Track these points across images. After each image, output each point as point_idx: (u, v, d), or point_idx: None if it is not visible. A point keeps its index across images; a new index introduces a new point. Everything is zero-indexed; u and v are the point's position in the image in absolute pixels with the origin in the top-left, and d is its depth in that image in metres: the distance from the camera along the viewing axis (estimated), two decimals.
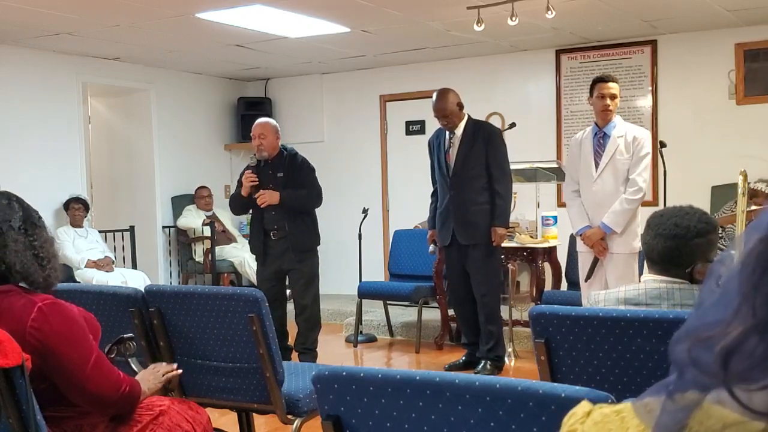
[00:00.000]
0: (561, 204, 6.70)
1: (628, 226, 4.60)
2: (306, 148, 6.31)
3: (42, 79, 7.01)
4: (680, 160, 6.54)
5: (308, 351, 5.24)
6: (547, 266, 5.88)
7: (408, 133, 8.22)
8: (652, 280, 2.32)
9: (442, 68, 7.74)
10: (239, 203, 5.32)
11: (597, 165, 4.67)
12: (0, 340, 1.87)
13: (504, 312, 5.57)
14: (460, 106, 5.17)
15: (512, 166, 5.29)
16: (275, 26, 6.27)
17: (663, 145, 5.74)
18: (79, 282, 6.46)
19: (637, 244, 4.54)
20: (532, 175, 6.04)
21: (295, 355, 5.27)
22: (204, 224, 7.82)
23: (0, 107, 6.69)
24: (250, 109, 8.58)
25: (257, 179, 5.11)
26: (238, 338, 2.90)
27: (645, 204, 4.89)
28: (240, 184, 5.25)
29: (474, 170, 5.12)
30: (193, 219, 7.92)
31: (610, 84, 4.64)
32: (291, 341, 5.33)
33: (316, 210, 5.32)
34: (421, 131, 8.01)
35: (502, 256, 5.54)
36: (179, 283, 8.09)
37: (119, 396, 2.16)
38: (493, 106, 7.54)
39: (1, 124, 6.69)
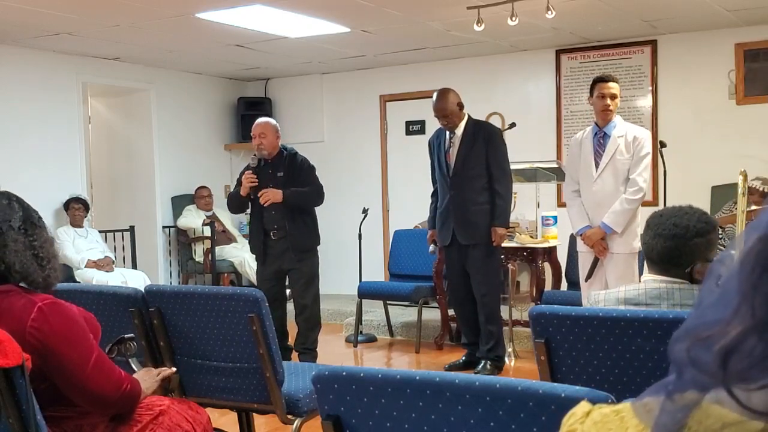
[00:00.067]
0: (561, 204, 6.70)
1: (629, 226, 4.61)
2: (306, 148, 6.31)
3: (42, 79, 7.01)
4: (680, 160, 6.54)
5: (308, 351, 5.24)
6: (547, 266, 5.88)
7: (408, 133, 8.22)
8: (652, 280, 2.32)
9: (442, 68, 7.74)
10: (237, 202, 5.32)
11: (597, 165, 4.67)
12: (0, 340, 1.87)
13: (504, 312, 5.57)
14: (461, 106, 5.17)
15: (512, 166, 5.29)
16: (275, 26, 6.27)
17: (663, 145, 5.74)
18: (79, 282, 6.46)
19: (637, 244, 4.54)
20: (532, 175, 6.04)
21: (295, 355, 5.27)
22: (204, 224, 7.82)
23: (0, 107, 6.69)
24: (250, 109, 8.58)
25: (257, 180, 5.11)
26: (238, 338, 2.90)
27: (645, 204, 4.89)
28: (239, 183, 5.26)
29: (474, 170, 5.12)
30: (193, 219, 7.92)
31: (611, 84, 4.64)
32: (291, 341, 5.33)
33: (317, 210, 5.32)
34: (421, 131, 8.01)
35: (502, 256, 5.54)
36: (179, 283, 8.09)
37: (120, 395, 2.16)
38: (493, 106, 7.54)
39: (1, 124, 6.69)
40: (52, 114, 7.09)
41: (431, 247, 5.60)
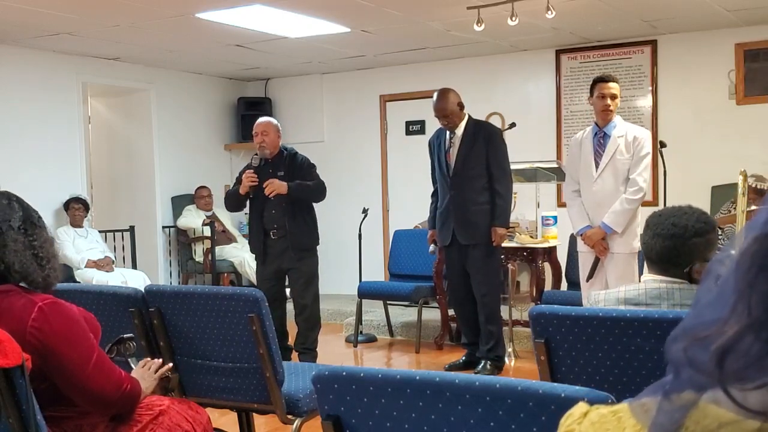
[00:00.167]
0: (561, 204, 6.70)
1: (629, 226, 4.61)
2: (306, 148, 6.30)
3: (42, 79, 7.01)
4: (680, 160, 6.54)
5: (308, 351, 5.24)
6: (547, 266, 5.88)
7: (408, 133, 8.22)
8: (652, 280, 2.32)
9: (442, 68, 7.74)
10: (235, 200, 5.31)
11: (597, 165, 4.67)
12: (0, 340, 1.87)
13: (504, 312, 5.57)
14: (461, 106, 5.17)
15: (512, 166, 5.29)
16: (275, 26, 6.27)
17: (663, 145, 5.74)
18: (79, 282, 6.46)
19: (638, 244, 4.54)
20: (532, 175, 6.04)
21: (295, 355, 5.27)
22: (204, 224, 7.82)
23: (0, 107, 6.70)
24: (250, 109, 8.58)
25: (257, 179, 5.11)
26: (238, 338, 2.90)
27: (645, 204, 4.89)
28: (238, 181, 5.26)
29: (474, 170, 5.12)
30: (193, 219, 7.92)
31: (611, 84, 4.64)
32: (291, 341, 5.33)
33: (316, 210, 5.32)
34: (421, 131, 8.01)
35: (502, 256, 5.54)
36: (179, 283, 8.09)
37: (121, 395, 2.16)
38: (493, 106, 7.54)
39: (1, 124, 6.69)
40: (52, 114, 7.09)
41: (431, 247, 5.60)
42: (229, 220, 8.08)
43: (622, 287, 2.42)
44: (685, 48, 6.88)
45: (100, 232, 7.29)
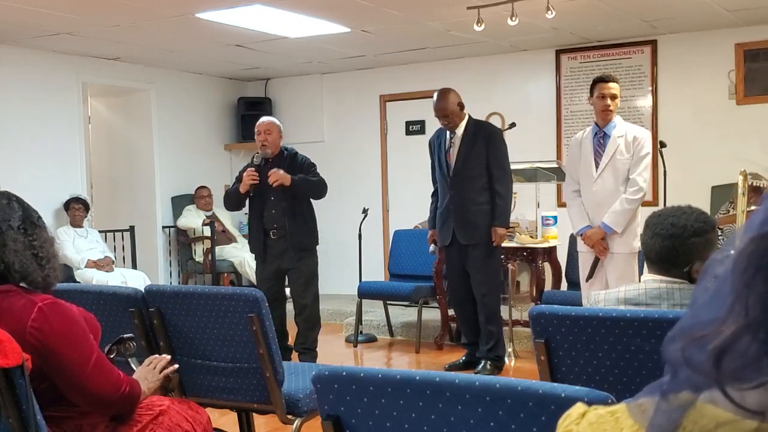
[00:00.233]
0: (561, 204, 6.70)
1: (629, 226, 4.61)
2: (306, 148, 6.30)
3: (42, 79, 7.01)
4: (680, 160, 6.54)
5: (308, 351, 5.24)
6: (547, 266, 5.88)
7: (408, 133, 8.22)
8: (651, 280, 2.32)
9: (442, 68, 7.74)
10: (235, 199, 5.30)
11: (597, 165, 4.68)
12: (0, 340, 1.87)
13: (504, 312, 5.57)
14: (461, 105, 5.17)
15: (512, 166, 5.30)
16: (275, 26, 6.27)
17: (663, 145, 5.74)
18: (79, 282, 6.46)
19: (637, 244, 4.54)
20: (532, 175, 6.04)
21: (295, 355, 5.27)
22: (204, 224, 7.82)
23: (0, 107, 6.70)
24: (250, 109, 8.58)
25: (258, 178, 5.11)
26: (238, 338, 2.90)
27: (645, 204, 4.89)
28: (238, 180, 5.26)
29: (474, 170, 5.12)
30: (193, 219, 7.92)
31: (611, 84, 4.64)
32: (291, 341, 5.33)
33: (316, 210, 5.32)
34: (421, 131, 8.01)
35: (502, 256, 5.54)
36: (179, 283, 8.09)
37: (119, 396, 2.16)
38: (493, 106, 7.54)
39: (1, 124, 6.69)
40: (52, 114, 7.09)
41: (431, 247, 5.60)
42: (229, 220, 8.08)
43: (622, 287, 2.42)
44: (685, 48, 6.88)
45: (100, 232, 7.29)
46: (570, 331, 2.27)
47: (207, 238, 7.74)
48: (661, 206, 4.75)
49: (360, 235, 6.77)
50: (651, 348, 2.12)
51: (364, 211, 6.88)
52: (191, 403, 2.52)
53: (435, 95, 5.20)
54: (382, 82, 8.23)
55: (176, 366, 2.47)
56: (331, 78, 8.54)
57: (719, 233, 3.24)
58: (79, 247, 6.85)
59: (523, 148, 6.60)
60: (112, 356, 2.37)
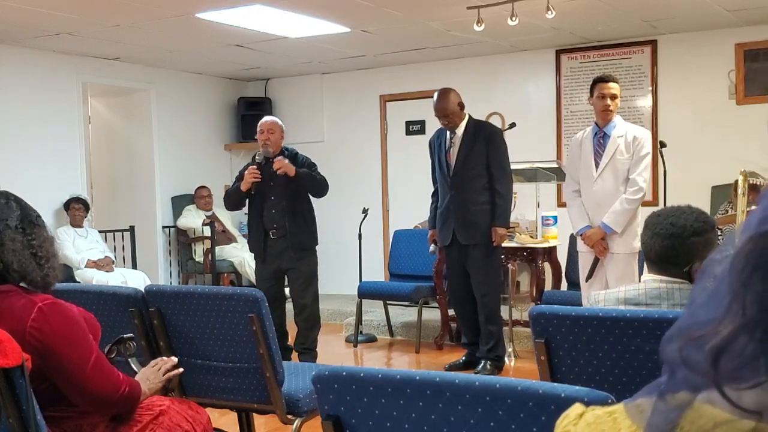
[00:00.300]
0: (561, 204, 6.70)
1: (629, 226, 4.60)
2: (306, 148, 6.31)
3: (42, 79, 7.01)
4: (680, 160, 6.54)
5: (308, 351, 5.24)
6: (547, 266, 5.88)
7: (408, 133, 8.22)
8: (651, 280, 2.32)
9: (442, 68, 7.74)
10: (235, 198, 5.29)
11: (597, 165, 4.67)
12: (0, 340, 1.87)
13: (504, 312, 5.57)
14: (461, 105, 5.17)
15: (512, 166, 5.29)
16: (275, 26, 6.27)
17: (663, 145, 5.74)
18: (79, 282, 6.46)
19: (637, 244, 4.54)
20: (532, 175, 6.04)
21: (295, 355, 5.27)
22: (204, 224, 7.82)
23: (0, 107, 6.70)
24: (250, 109, 8.58)
25: (260, 176, 5.11)
26: (238, 338, 2.90)
27: (645, 204, 4.89)
28: (237, 179, 5.25)
29: (474, 170, 5.12)
30: (193, 219, 7.92)
31: (611, 84, 4.64)
32: (291, 341, 5.33)
33: (316, 210, 5.32)
34: (421, 131, 8.01)
35: (502, 256, 5.54)
36: (179, 283, 8.09)
37: (119, 397, 2.16)
38: (493, 106, 7.54)
39: (1, 124, 6.69)
40: (52, 114, 7.09)
41: (431, 247, 5.60)
42: (229, 220, 8.08)
43: (622, 287, 2.42)
44: (685, 48, 6.88)
45: (100, 232, 7.29)
46: (570, 331, 2.27)
47: (207, 238, 7.74)
48: (661, 206, 4.74)
49: (360, 235, 6.77)
50: (651, 348, 2.12)
51: (364, 211, 6.88)
52: (191, 403, 2.52)
53: (435, 95, 5.20)
54: (382, 82, 8.23)
55: (181, 370, 2.47)
56: (331, 78, 8.54)
57: (719, 233, 3.24)
58: (79, 247, 6.85)
59: (523, 148, 6.60)
60: (112, 356, 2.37)
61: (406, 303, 6.76)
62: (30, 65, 6.90)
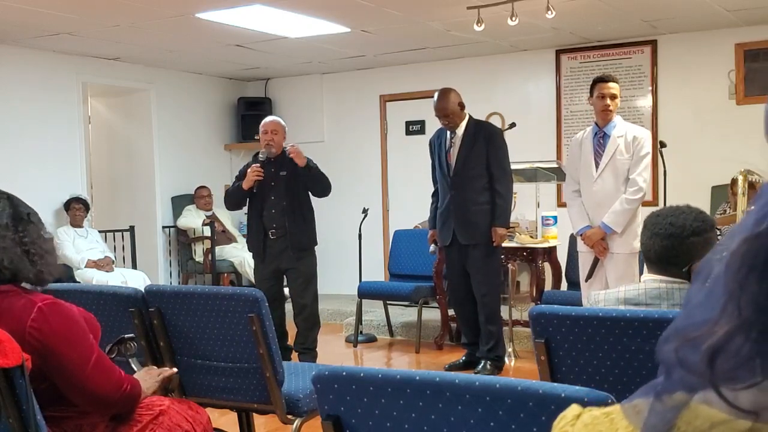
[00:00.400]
0: (561, 204, 6.70)
1: (629, 226, 4.60)
2: (306, 148, 6.28)
3: (42, 79, 7.01)
4: (680, 160, 6.54)
5: (308, 351, 5.24)
6: (547, 266, 5.88)
7: (408, 133, 8.22)
8: (651, 280, 2.32)
9: (442, 68, 7.74)
10: (237, 197, 5.29)
11: (597, 165, 4.68)
12: (0, 340, 1.87)
13: (504, 312, 5.57)
14: (462, 105, 5.17)
15: (512, 166, 5.30)
16: (275, 26, 6.27)
17: (663, 145, 5.74)
18: (79, 282, 6.46)
19: (637, 244, 4.54)
20: (532, 175, 6.04)
21: (295, 355, 5.27)
22: (204, 224, 7.83)
23: (0, 107, 6.70)
24: (250, 109, 8.58)
25: (263, 174, 5.11)
26: (238, 338, 2.90)
27: (645, 204, 4.89)
28: (238, 179, 5.25)
29: (475, 170, 5.12)
30: (193, 219, 7.92)
31: (611, 84, 4.64)
32: (290, 341, 5.33)
33: (315, 210, 5.32)
34: (421, 131, 8.01)
35: (502, 256, 5.54)
36: (179, 283, 8.09)
37: (120, 395, 2.16)
38: (493, 106, 7.54)
39: (1, 124, 6.69)
40: (52, 114, 7.09)
41: (431, 247, 5.60)
42: (229, 220, 8.08)
43: (622, 287, 2.42)
44: (685, 48, 6.88)
45: (100, 232, 7.29)
46: (570, 331, 2.27)
47: (207, 238, 7.74)
48: (661, 206, 4.74)
49: (360, 235, 6.77)
50: (651, 348, 2.11)
51: (364, 211, 6.88)
52: (191, 403, 2.52)
53: (435, 95, 5.20)
54: (382, 82, 8.23)
55: (175, 370, 2.48)
56: (331, 78, 8.54)
57: (718, 233, 3.24)
58: (79, 247, 6.85)
59: (523, 148, 6.60)
60: (112, 356, 2.37)
61: (406, 303, 6.76)
62: (30, 65, 6.90)
